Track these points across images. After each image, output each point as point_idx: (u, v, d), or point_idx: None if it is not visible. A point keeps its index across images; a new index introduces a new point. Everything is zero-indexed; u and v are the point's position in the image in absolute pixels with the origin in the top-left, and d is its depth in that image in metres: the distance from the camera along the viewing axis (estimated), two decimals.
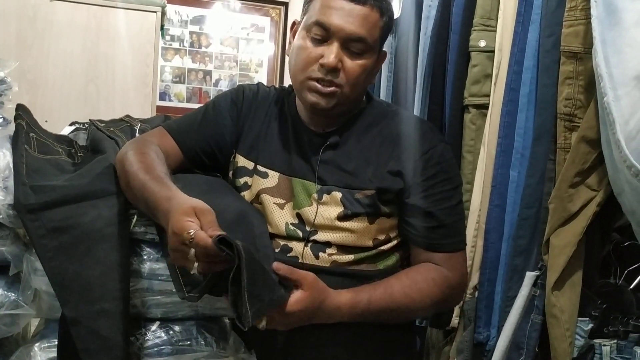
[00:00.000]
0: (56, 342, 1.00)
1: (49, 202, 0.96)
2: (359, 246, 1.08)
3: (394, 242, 1.11)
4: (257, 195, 1.12)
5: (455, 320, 1.36)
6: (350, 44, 1.05)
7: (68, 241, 0.94)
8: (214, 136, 1.15)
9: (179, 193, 0.91)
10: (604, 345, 1.07)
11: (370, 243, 1.08)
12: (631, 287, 1.12)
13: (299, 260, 1.07)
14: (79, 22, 2.51)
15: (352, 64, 1.06)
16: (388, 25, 1.10)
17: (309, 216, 1.08)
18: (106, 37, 2.54)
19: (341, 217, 1.07)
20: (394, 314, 1.04)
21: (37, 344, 1.00)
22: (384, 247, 1.10)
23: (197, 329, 1.06)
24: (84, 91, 2.54)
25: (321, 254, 1.07)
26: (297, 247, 1.08)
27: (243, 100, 1.18)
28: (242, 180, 1.14)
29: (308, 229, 1.08)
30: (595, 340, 1.08)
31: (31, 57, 2.45)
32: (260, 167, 1.13)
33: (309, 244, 1.08)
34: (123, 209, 1.00)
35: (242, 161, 1.15)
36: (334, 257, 1.07)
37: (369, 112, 1.16)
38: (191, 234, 0.81)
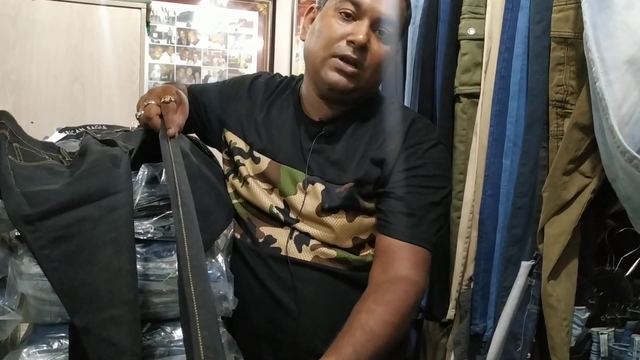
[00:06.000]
0: (45, 347, 0.98)
1: (46, 211, 0.91)
2: (338, 245, 1.06)
3: None
4: (246, 179, 1.12)
5: (451, 312, 1.35)
6: (380, 24, 1.04)
7: (71, 250, 0.91)
8: (206, 107, 1.25)
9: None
10: (602, 333, 1.06)
11: (349, 243, 1.06)
12: (627, 274, 1.11)
13: (282, 253, 1.06)
14: (62, 21, 2.48)
15: (379, 47, 1.04)
16: (408, 22, 1.10)
17: (296, 204, 1.06)
18: (90, 36, 2.52)
19: (319, 211, 1.05)
20: (384, 348, 0.91)
21: (24, 350, 0.98)
22: (371, 252, 1.08)
23: None
24: (69, 91, 2.51)
25: (304, 247, 1.05)
26: (281, 239, 1.07)
27: (252, 86, 1.23)
28: (236, 158, 1.16)
29: (293, 216, 1.07)
30: (592, 329, 1.07)
31: (14, 58, 2.42)
32: (255, 152, 1.14)
33: (293, 236, 1.06)
34: (124, 209, 0.96)
35: (237, 141, 1.17)
36: (316, 252, 1.05)
37: (370, 105, 1.14)
38: (167, 100, 1.03)
